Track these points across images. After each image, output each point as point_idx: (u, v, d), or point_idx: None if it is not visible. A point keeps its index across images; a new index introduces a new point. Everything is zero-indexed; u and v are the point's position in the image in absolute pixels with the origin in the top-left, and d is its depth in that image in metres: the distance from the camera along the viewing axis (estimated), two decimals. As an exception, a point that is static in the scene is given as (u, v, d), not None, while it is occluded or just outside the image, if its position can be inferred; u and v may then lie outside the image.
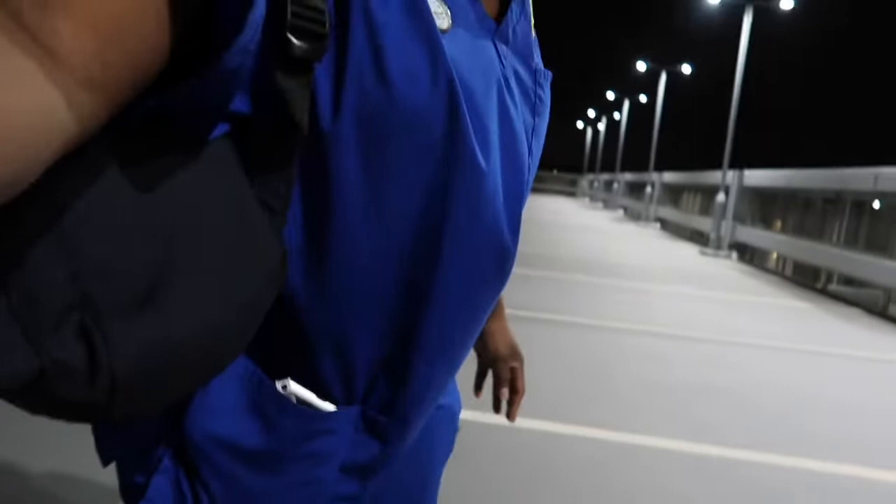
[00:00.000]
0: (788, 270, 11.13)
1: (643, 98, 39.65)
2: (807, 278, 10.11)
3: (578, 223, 18.06)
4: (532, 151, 0.64)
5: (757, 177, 12.80)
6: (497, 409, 1.05)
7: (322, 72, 0.49)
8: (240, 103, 0.48)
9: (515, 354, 1.03)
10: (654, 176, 22.21)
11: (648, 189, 22.10)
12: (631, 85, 39.42)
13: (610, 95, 41.59)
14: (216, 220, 0.47)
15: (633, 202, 26.20)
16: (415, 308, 0.58)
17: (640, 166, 25.35)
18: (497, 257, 0.62)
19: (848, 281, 9.12)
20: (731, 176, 13.51)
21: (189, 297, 0.45)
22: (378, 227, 0.54)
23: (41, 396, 0.43)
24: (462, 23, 0.56)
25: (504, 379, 1.02)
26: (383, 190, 0.53)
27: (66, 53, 0.37)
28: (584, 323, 5.52)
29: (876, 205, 8.89)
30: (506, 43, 0.61)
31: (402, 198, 0.54)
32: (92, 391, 0.43)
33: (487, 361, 1.04)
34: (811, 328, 6.64)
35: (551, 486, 2.62)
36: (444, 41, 0.52)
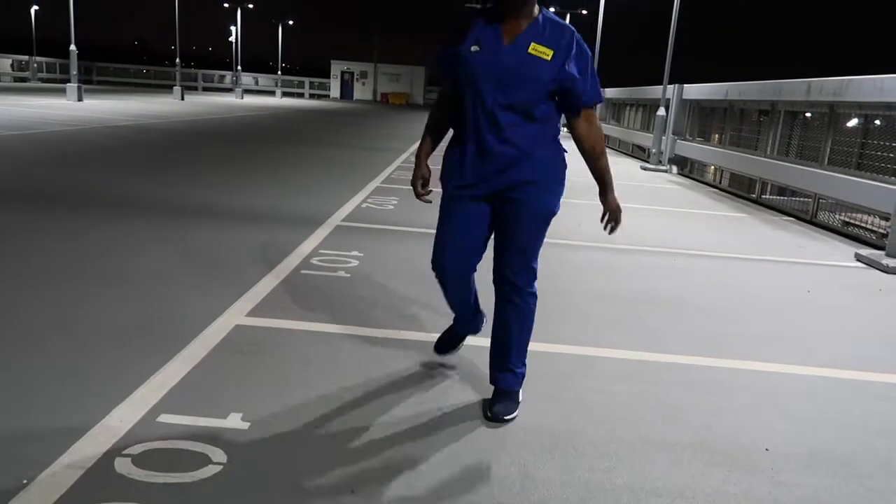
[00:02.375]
0: (726, 182, 11.46)
1: (584, 11, 39.07)
2: (743, 189, 10.45)
3: (523, 142, 18.02)
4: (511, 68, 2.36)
5: (696, 90, 12.96)
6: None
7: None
8: None
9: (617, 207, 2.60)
10: (597, 92, 22.19)
11: (591, 106, 22.13)
12: (569, -4, 38.61)
13: (552, 10, 40.64)
14: None
15: (576, 119, 26.25)
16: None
17: (583, 83, 25.22)
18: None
19: (781, 191, 9.47)
20: (670, 90, 13.64)
21: None
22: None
23: None
24: (487, 45, 2.36)
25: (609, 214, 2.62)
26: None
27: None
28: (533, 241, 5.63)
29: (808, 115, 9.16)
30: (510, 44, 2.35)
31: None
32: None
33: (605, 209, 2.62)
34: (748, 237, 6.94)
35: (509, 397, 2.73)
36: (473, 54, 2.38)
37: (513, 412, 2.57)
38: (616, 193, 2.57)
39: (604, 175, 2.53)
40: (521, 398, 2.65)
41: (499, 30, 2.36)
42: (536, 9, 2.38)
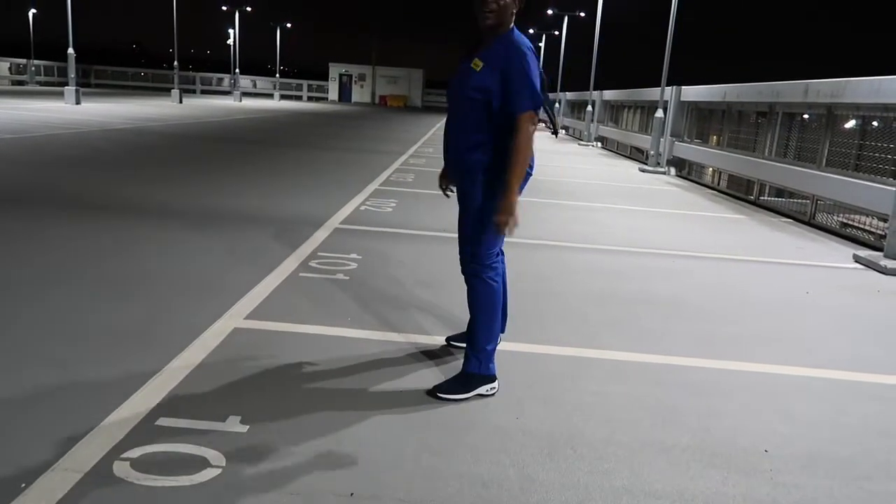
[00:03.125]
0: (724, 184, 11.47)
1: (581, 14, 39.15)
2: (741, 191, 10.45)
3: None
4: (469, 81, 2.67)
5: (694, 92, 12.98)
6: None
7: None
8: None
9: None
10: (595, 94, 22.23)
11: (589, 108, 22.16)
12: (571, 0, 38.70)
13: (548, 13, 40.90)
14: None
15: (575, 121, 26.30)
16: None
17: (582, 86, 25.30)
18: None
19: (779, 192, 9.48)
20: (668, 92, 13.66)
21: None
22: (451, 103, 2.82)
23: None
24: (460, 65, 2.74)
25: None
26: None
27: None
28: (530, 243, 5.64)
29: (806, 116, 9.17)
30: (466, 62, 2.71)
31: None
32: None
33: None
34: (746, 239, 6.95)
35: (505, 399, 2.74)
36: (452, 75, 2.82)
37: (449, 392, 2.71)
38: (513, 200, 2.56)
39: (508, 176, 2.57)
40: (485, 390, 2.74)
41: (473, 50, 2.70)
42: (507, 30, 2.62)
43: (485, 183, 2.67)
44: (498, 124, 2.61)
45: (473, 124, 2.64)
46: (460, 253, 2.82)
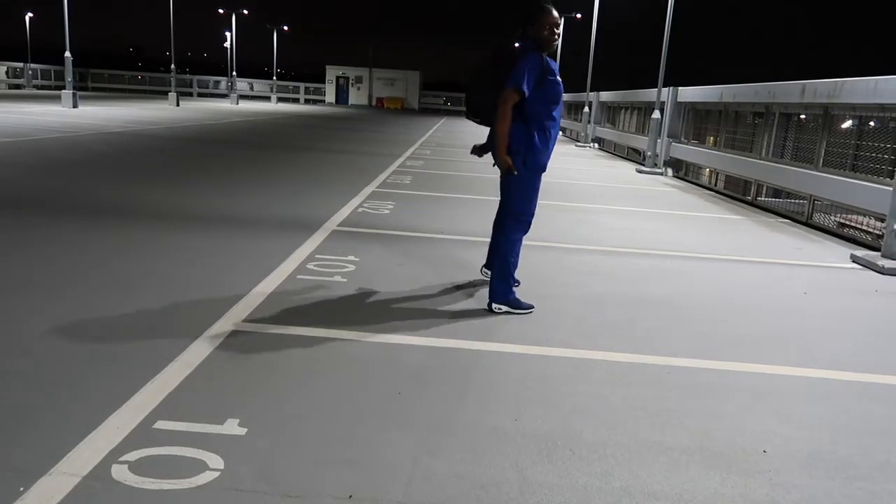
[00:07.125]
0: (721, 185, 11.47)
1: (578, 15, 39.15)
2: (738, 191, 10.47)
3: (519, 146, 18.05)
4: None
5: (690, 93, 12.99)
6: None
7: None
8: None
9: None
10: (592, 95, 22.25)
11: (586, 109, 22.18)
12: (567, 2, 38.79)
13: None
14: None
15: (572, 123, 26.33)
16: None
17: (579, 87, 25.31)
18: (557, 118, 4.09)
19: (776, 193, 9.48)
20: (665, 93, 13.68)
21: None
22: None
23: None
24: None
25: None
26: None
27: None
28: (528, 244, 5.64)
29: (802, 116, 9.19)
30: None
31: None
32: None
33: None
34: (743, 239, 6.96)
35: (503, 401, 2.74)
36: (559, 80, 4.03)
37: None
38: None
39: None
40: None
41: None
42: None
43: None
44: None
45: None
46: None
